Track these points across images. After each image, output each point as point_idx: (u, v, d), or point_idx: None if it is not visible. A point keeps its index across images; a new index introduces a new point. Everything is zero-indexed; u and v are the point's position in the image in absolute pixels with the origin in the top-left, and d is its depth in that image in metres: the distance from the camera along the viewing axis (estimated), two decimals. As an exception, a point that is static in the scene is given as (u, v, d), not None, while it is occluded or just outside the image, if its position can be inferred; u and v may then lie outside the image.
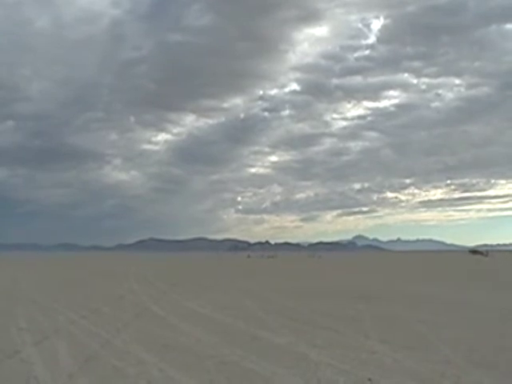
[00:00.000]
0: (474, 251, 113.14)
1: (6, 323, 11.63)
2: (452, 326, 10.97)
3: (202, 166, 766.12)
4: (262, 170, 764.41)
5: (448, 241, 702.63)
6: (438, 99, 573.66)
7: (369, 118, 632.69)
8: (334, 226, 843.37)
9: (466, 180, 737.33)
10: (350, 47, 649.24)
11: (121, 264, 64.54)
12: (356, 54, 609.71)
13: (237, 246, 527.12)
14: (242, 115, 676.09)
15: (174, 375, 6.86)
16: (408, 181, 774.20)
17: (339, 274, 35.62)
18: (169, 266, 56.89)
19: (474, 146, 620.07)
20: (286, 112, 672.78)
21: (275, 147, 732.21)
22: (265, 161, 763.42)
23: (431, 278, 29.30)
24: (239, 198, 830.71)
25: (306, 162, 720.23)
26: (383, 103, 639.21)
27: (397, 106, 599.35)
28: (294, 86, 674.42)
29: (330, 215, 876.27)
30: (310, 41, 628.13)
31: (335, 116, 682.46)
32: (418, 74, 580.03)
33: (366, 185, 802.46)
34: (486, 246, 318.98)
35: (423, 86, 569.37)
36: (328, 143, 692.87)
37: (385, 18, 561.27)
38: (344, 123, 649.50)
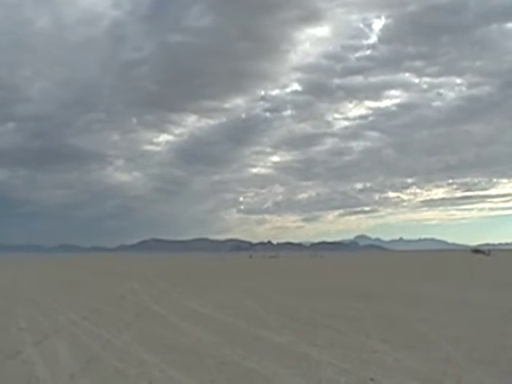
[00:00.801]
0: (476, 250, 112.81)
1: (7, 323, 11.65)
2: (453, 324, 10.95)
3: (204, 166, 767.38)
4: (263, 170, 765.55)
5: (450, 240, 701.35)
6: (440, 99, 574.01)
7: (370, 118, 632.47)
8: (335, 226, 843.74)
9: (467, 179, 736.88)
10: (351, 47, 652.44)
11: (122, 265, 64.65)
12: (357, 54, 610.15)
13: (239, 246, 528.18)
14: (243, 115, 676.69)
15: (174, 375, 6.86)
16: (410, 180, 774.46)
17: (340, 274, 35.61)
18: (170, 267, 56.97)
19: (476, 145, 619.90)
20: (288, 112, 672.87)
21: (277, 147, 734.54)
22: (266, 161, 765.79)
23: (432, 278, 29.25)
24: (241, 199, 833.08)
25: (308, 161, 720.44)
26: (385, 103, 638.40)
27: (398, 105, 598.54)
28: (296, 86, 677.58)
29: (331, 215, 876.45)
30: (312, 41, 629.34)
31: (337, 116, 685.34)
32: (419, 73, 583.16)
33: (368, 184, 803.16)
34: (488, 245, 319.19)
35: (424, 86, 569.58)
36: (330, 143, 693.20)
37: (386, 17, 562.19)
38: (345, 123, 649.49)
